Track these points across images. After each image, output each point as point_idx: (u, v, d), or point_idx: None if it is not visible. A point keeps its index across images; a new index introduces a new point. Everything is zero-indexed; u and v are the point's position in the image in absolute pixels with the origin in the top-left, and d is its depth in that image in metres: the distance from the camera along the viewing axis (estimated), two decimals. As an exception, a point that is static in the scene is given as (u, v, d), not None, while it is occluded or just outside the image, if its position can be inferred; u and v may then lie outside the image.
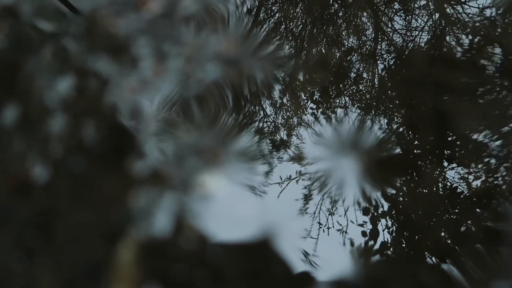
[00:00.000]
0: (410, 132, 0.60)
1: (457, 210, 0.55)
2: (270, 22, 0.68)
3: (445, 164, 0.58)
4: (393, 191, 0.55)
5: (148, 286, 0.47)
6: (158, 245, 0.49)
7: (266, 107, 0.61)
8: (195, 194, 0.52)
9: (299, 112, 0.62)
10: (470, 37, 0.65)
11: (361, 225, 0.55)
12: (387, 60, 0.66)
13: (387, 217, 0.55)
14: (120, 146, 0.54)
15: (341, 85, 0.64)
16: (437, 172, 0.58)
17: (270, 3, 0.70)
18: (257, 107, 0.61)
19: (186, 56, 0.60)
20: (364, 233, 0.54)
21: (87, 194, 0.51)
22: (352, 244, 0.53)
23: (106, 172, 0.52)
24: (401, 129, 0.60)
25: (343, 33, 0.68)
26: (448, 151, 0.59)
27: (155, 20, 0.61)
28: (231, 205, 0.53)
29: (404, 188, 0.56)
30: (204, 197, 0.52)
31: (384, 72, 0.65)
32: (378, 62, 0.66)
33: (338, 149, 0.58)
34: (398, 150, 0.58)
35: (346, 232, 0.54)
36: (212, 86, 0.59)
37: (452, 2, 0.69)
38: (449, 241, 0.53)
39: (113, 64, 0.59)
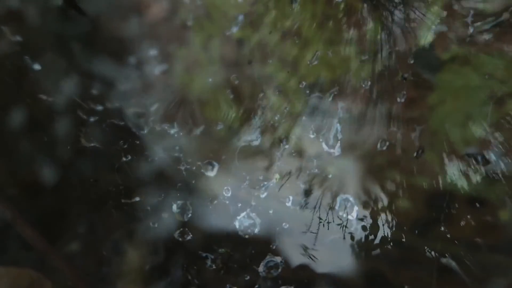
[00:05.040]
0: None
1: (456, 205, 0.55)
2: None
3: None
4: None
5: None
6: (164, 245, 0.50)
7: (267, 105, 0.62)
8: (199, 194, 0.53)
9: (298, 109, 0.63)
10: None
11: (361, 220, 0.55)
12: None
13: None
14: (125, 147, 0.55)
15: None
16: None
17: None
18: (259, 105, 0.61)
19: (190, 59, 0.61)
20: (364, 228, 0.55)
21: (93, 195, 0.52)
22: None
23: (111, 173, 0.54)
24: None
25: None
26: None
27: (159, 23, 0.62)
28: (235, 204, 0.54)
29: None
30: (208, 197, 0.53)
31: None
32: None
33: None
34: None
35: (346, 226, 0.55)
36: (215, 88, 0.60)
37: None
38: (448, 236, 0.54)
39: (117, 67, 0.60)
